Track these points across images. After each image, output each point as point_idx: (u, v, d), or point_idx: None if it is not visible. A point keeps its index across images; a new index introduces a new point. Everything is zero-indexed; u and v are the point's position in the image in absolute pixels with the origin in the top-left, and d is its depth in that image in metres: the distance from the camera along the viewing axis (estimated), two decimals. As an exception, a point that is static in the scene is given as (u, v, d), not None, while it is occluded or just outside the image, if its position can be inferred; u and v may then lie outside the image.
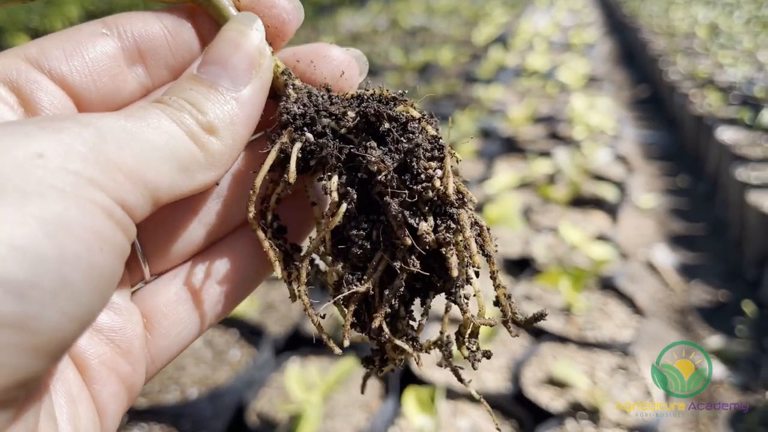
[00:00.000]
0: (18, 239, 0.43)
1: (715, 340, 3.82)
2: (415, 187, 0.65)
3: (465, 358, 0.70)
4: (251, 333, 3.00)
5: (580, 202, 4.47)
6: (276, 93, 0.70)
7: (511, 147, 5.55)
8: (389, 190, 0.64)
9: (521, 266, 3.65)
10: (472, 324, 0.68)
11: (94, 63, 0.63)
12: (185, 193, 0.59)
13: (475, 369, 0.68)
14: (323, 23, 11.66)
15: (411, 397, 2.39)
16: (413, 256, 0.65)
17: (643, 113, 8.19)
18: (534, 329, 3.09)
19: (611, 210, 4.42)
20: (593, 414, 2.54)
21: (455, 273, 0.64)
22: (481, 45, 9.25)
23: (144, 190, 0.54)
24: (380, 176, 0.64)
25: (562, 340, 3.00)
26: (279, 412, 2.58)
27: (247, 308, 3.13)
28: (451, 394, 2.65)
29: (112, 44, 0.65)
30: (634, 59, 10.75)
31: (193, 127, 0.59)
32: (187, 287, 0.69)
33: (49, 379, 0.55)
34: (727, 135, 5.73)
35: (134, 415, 2.54)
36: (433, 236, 0.64)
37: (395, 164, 0.65)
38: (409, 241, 0.63)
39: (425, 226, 0.64)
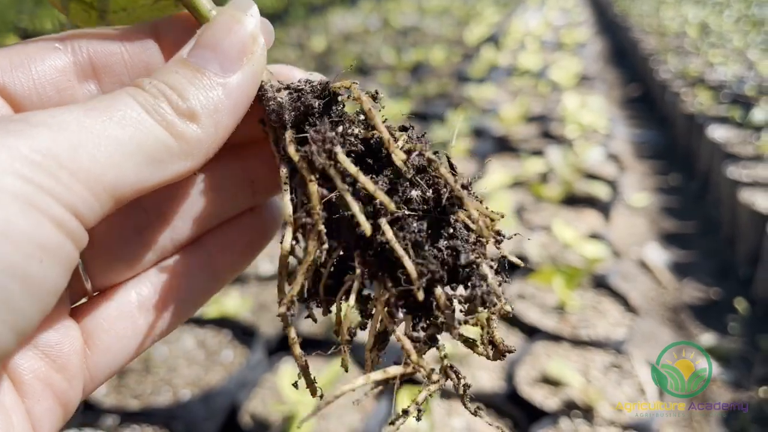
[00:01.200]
0: None
1: (707, 338, 3.83)
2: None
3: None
4: (244, 333, 2.99)
5: (573, 200, 4.48)
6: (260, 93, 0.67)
7: (504, 146, 5.56)
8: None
9: (513, 265, 3.63)
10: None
11: (40, 75, 0.61)
12: (155, 186, 0.57)
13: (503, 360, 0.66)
14: (314, 23, 11.65)
15: (405, 397, 2.39)
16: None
17: (634, 112, 8.22)
18: (528, 328, 3.09)
19: (604, 208, 4.43)
20: (587, 412, 2.54)
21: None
22: (473, 44, 9.26)
23: (102, 194, 0.52)
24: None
25: (556, 338, 3.00)
26: (272, 413, 2.57)
27: (240, 309, 3.12)
28: (446, 394, 2.64)
29: (63, 59, 0.63)
30: (626, 58, 10.79)
31: (167, 115, 0.57)
32: (130, 303, 0.67)
33: None
34: (718, 133, 5.75)
35: (126, 417, 2.52)
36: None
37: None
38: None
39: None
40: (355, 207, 0.58)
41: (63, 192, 0.48)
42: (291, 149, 0.61)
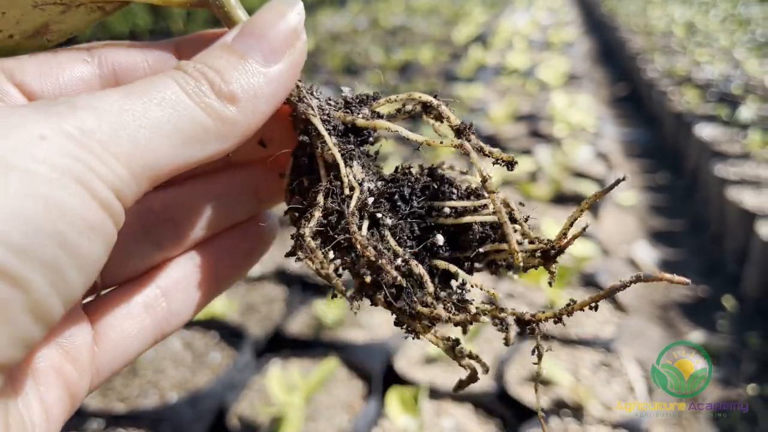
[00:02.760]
0: (20, 210, 0.46)
1: (696, 336, 3.84)
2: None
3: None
4: (231, 335, 2.96)
5: (562, 199, 4.48)
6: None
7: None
8: None
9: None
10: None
11: (67, 85, 0.65)
12: (189, 166, 0.59)
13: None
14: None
15: (394, 397, 2.37)
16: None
17: (623, 111, 8.25)
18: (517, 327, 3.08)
19: (592, 207, 4.43)
20: (577, 411, 2.54)
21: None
22: (461, 44, 9.27)
23: (140, 175, 0.54)
24: None
25: (545, 337, 2.98)
26: (260, 415, 2.55)
27: (227, 310, 3.09)
28: (435, 394, 2.63)
29: (89, 70, 0.66)
30: (613, 57, 10.84)
31: (206, 97, 0.59)
32: (138, 304, 0.70)
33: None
34: (705, 132, 5.78)
35: (112, 420, 2.49)
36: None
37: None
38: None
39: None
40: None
41: (107, 173, 0.51)
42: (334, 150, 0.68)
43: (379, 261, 0.62)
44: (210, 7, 0.70)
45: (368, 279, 0.63)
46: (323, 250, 0.64)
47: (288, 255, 0.67)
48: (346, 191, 0.66)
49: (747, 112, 6.00)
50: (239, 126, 0.61)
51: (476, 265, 0.71)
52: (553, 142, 5.27)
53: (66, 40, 0.70)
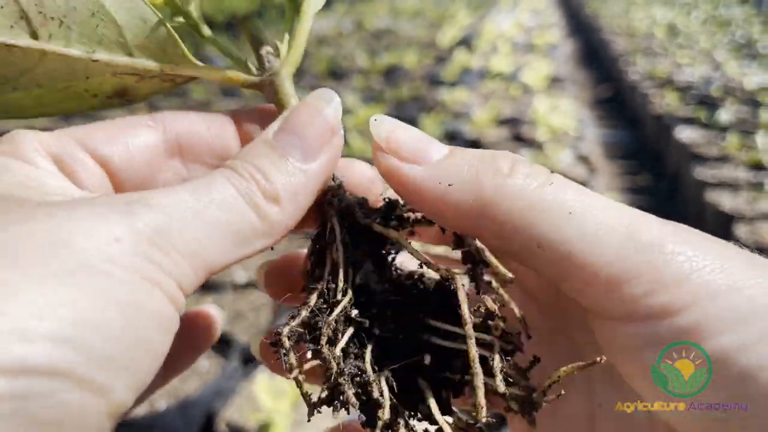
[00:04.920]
0: (101, 316, 0.47)
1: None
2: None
3: None
4: (219, 342, 2.99)
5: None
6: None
7: (476, 149, 5.61)
8: None
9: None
10: None
11: (135, 149, 0.68)
12: (238, 261, 0.61)
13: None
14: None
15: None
16: None
17: (605, 112, 8.34)
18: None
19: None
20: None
21: None
22: (446, 47, 9.32)
23: (200, 270, 0.57)
24: None
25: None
26: (248, 421, 2.59)
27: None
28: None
29: (154, 136, 0.70)
30: (597, 59, 10.93)
31: (256, 198, 0.61)
32: None
33: None
34: (685, 134, 5.87)
35: (102, 429, 2.52)
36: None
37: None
38: None
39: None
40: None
41: (174, 269, 0.54)
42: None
43: (339, 379, 0.62)
44: (263, 90, 0.75)
45: (325, 394, 0.63)
46: (295, 354, 0.64)
47: (269, 344, 0.66)
48: (338, 296, 0.67)
49: (726, 114, 6.10)
50: (283, 224, 0.63)
51: (466, 388, 0.67)
52: (535, 146, 5.35)
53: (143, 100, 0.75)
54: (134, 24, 0.68)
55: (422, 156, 0.65)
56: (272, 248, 0.65)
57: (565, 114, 5.91)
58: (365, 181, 0.77)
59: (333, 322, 0.65)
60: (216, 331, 0.85)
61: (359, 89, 7.05)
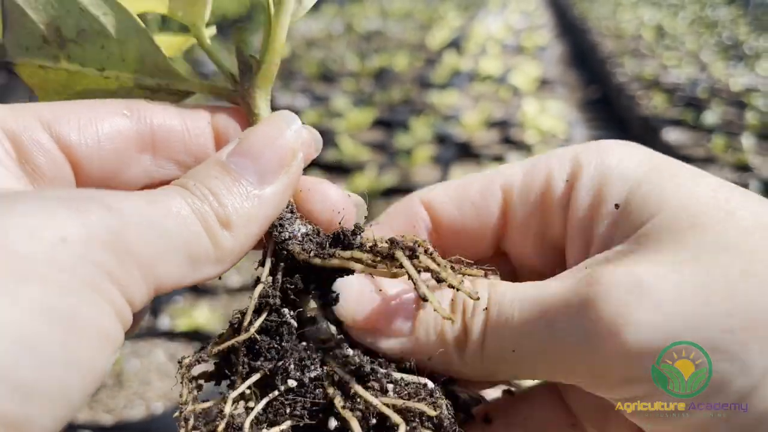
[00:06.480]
0: (29, 332, 0.42)
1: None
2: None
3: None
4: (214, 345, 3.03)
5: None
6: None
7: (466, 152, 5.67)
8: None
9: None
10: None
11: (105, 139, 0.63)
12: (186, 285, 0.58)
13: None
14: (278, 28, 11.58)
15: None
16: None
17: (594, 114, 8.39)
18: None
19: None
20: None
21: None
22: (436, 49, 9.35)
23: (151, 285, 0.53)
24: None
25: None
26: (244, 423, 2.62)
27: (209, 321, 3.17)
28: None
29: (128, 125, 0.65)
30: (585, 61, 10.98)
31: (210, 220, 0.58)
32: None
33: None
34: (672, 136, 5.94)
35: (100, 431, 2.56)
36: None
37: None
38: None
39: None
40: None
41: (125, 279, 0.50)
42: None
43: None
44: (238, 102, 0.73)
45: None
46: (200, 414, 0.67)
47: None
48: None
49: (711, 116, 6.18)
50: (234, 252, 0.61)
51: None
52: (524, 149, 5.41)
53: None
54: (130, 41, 0.70)
55: (389, 328, 0.64)
56: (219, 278, 0.63)
57: (554, 116, 5.98)
58: (332, 205, 0.71)
59: (237, 397, 0.67)
60: None
61: (350, 92, 7.09)
